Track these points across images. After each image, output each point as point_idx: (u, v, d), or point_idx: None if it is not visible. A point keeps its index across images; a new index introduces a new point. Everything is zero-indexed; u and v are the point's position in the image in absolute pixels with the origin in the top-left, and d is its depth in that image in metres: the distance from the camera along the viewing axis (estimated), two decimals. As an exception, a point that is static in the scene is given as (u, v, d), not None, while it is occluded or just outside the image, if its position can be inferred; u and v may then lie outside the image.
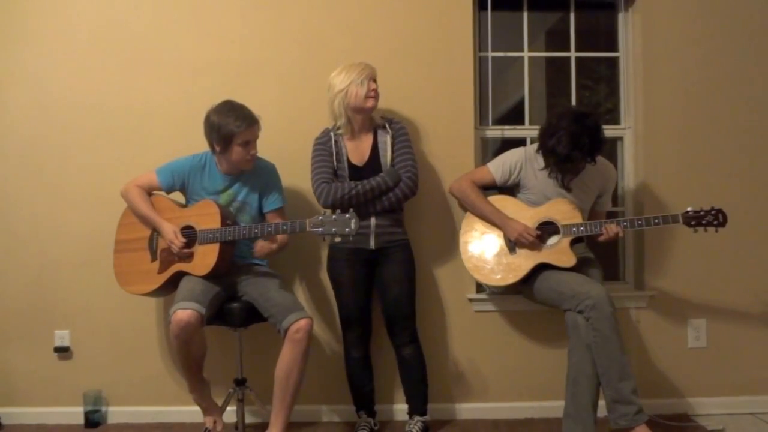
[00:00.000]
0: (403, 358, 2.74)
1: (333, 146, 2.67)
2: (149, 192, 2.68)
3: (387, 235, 2.67)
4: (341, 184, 2.61)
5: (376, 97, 2.63)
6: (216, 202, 2.58)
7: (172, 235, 2.52)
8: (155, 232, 2.63)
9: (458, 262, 2.82)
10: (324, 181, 2.62)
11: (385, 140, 2.68)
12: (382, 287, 2.72)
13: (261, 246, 2.56)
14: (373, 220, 2.64)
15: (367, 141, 2.69)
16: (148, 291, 2.62)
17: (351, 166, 2.67)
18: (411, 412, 2.75)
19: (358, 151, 2.68)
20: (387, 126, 2.71)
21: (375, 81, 2.64)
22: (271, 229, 2.50)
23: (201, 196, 2.66)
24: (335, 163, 2.66)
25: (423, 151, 2.96)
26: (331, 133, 2.70)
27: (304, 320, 2.41)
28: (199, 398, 2.59)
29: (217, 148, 2.56)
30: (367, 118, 2.69)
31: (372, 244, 2.66)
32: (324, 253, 2.87)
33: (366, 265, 2.71)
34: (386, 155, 2.67)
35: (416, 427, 2.69)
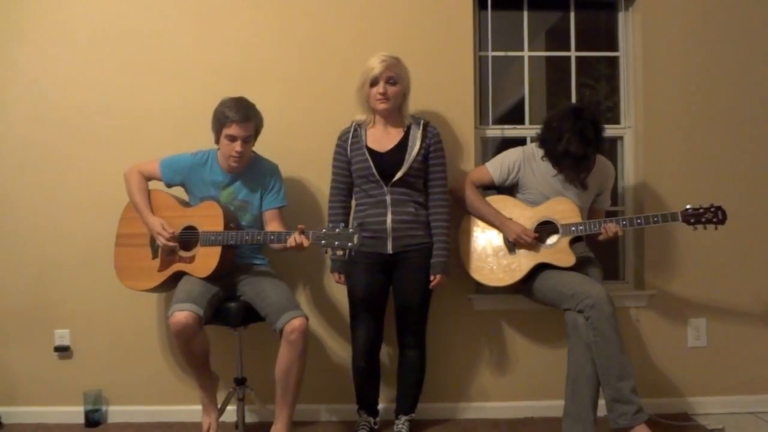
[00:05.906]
0: (406, 359, 2.73)
1: (349, 141, 2.61)
2: (149, 179, 2.69)
3: (406, 238, 2.58)
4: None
5: (385, 100, 2.54)
6: (219, 204, 2.56)
7: (159, 227, 2.52)
8: None
9: (458, 262, 2.82)
10: (333, 198, 2.67)
11: (416, 136, 2.59)
12: (397, 291, 2.67)
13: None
14: (389, 222, 2.57)
15: (396, 132, 2.61)
16: (147, 288, 2.62)
17: (372, 152, 2.57)
18: (398, 412, 2.76)
19: (383, 139, 2.59)
20: (420, 124, 2.62)
21: (390, 80, 2.53)
22: (274, 237, 2.48)
23: (202, 192, 2.65)
24: (350, 161, 2.60)
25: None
26: (354, 126, 2.64)
27: (298, 320, 2.39)
28: (205, 395, 2.59)
29: (214, 137, 2.60)
30: (391, 114, 2.62)
31: (389, 248, 2.57)
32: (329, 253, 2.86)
33: (383, 271, 2.62)
34: (413, 150, 2.57)
35: (405, 426, 2.71)
